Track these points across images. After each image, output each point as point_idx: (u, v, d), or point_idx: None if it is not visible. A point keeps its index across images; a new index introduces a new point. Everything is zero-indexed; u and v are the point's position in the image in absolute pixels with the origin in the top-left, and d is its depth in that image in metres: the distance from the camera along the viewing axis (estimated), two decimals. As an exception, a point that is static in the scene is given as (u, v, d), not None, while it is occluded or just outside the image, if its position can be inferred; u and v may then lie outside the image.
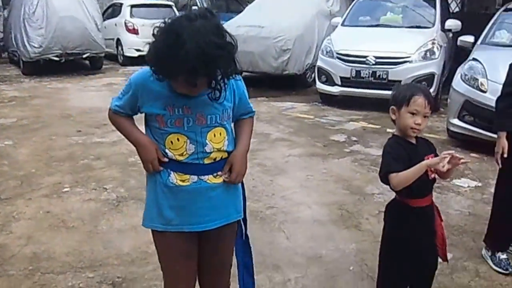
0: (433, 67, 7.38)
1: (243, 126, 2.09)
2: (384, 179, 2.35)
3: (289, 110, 8.01)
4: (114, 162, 5.17)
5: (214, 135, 1.91)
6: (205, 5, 15.65)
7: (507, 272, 3.13)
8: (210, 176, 1.94)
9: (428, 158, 2.32)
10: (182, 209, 1.94)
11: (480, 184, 4.67)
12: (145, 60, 1.77)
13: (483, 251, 3.34)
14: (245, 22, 9.53)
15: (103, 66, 12.81)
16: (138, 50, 12.60)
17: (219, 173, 1.96)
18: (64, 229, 3.74)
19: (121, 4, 14.18)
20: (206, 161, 1.92)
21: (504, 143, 2.98)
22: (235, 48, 1.71)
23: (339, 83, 7.85)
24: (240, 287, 2.29)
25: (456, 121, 5.81)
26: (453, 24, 8.14)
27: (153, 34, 1.71)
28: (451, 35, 8.34)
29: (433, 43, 7.53)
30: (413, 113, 2.27)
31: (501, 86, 3.22)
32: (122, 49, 13.68)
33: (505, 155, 2.98)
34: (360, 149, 5.80)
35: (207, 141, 1.90)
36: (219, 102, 1.85)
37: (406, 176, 2.26)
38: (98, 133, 6.35)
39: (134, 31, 13.43)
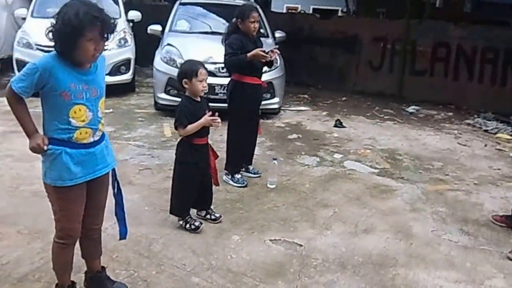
0: (128, 53, 8.55)
1: None
2: (176, 128, 3.61)
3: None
4: None
5: (102, 103, 2.61)
6: None
7: (243, 185, 4.72)
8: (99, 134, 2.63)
9: (206, 112, 3.56)
10: (84, 162, 2.57)
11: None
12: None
13: (224, 177, 4.80)
14: None
15: None
16: None
17: None
18: None
19: None
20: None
21: (257, 50, 4.38)
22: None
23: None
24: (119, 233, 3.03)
25: (163, 95, 7.18)
26: (134, 15, 9.43)
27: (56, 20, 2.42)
28: (131, 24, 9.57)
29: (124, 32, 8.64)
30: (200, 81, 3.46)
31: None
32: None
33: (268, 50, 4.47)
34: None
35: (98, 108, 2.58)
36: (100, 77, 2.61)
37: (190, 129, 3.58)
38: None
39: None
